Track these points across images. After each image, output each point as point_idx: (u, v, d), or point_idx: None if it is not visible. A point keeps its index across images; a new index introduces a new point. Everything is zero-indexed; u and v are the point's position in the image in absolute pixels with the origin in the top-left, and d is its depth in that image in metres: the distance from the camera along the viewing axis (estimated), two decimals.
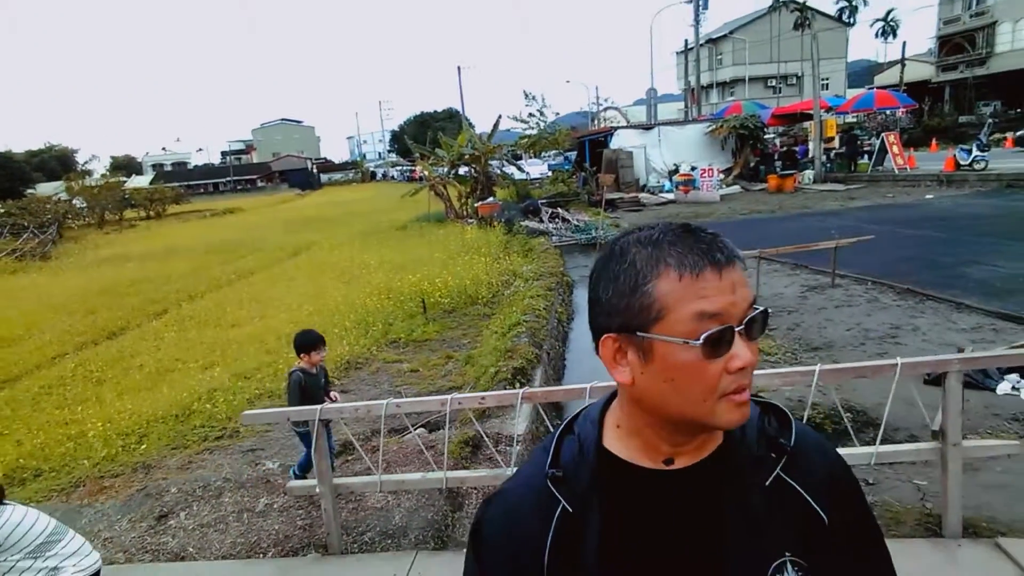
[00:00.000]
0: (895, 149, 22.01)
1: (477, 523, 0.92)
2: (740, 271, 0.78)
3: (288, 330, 9.13)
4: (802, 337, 6.89)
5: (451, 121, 62.40)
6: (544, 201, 21.52)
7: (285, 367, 7.39)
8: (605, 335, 0.82)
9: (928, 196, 17.61)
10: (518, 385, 5.88)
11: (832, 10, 49.80)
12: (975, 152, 19.40)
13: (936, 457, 3.08)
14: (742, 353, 0.76)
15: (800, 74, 49.36)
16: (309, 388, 3.95)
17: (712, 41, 55.02)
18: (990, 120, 27.91)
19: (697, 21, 36.31)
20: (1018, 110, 36.24)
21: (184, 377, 7.60)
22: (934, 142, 31.09)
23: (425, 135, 26.16)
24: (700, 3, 35.90)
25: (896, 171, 21.55)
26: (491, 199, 20.38)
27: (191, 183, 70.81)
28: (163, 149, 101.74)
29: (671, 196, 22.42)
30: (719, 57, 56.66)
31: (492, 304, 9.63)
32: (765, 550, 0.81)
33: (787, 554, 0.81)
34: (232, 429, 6.02)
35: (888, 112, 27.41)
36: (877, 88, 34.57)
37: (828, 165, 23.81)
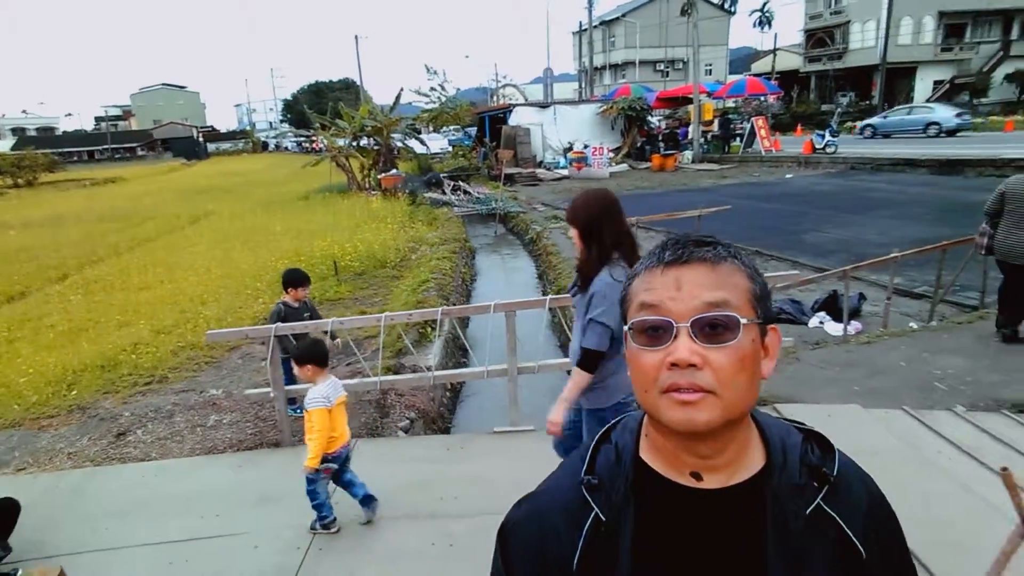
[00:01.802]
0: (763, 133, 24.37)
1: (506, 524, 0.91)
2: (703, 273, 0.79)
3: (198, 292, 9.47)
4: None
5: (347, 92, 61.12)
6: (446, 175, 22.26)
7: (205, 323, 7.88)
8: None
9: (788, 175, 19.92)
10: (430, 330, 6.80)
11: None
12: (827, 137, 21.97)
13: None
14: (676, 349, 0.76)
15: (686, 59, 52.00)
16: (288, 319, 4.44)
17: (606, 23, 56.67)
18: (838, 109, 31.37)
19: (590, 3, 37.68)
20: (867, 102, 40.58)
21: (102, 334, 7.79)
22: (799, 127, 34.44)
23: (322, 105, 25.70)
24: None
25: (763, 153, 23.91)
26: (394, 171, 20.77)
27: (62, 150, 65.18)
28: (23, 112, 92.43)
29: (565, 172, 23.77)
30: (612, 39, 58.36)
31: (400, 267, 10.34)
32: None
33: None
34: (160, 375, 6.38)
35: (762, 98, 30.06)
36: (751, 75, 37.50)
37: (705, 147, 25.89)
